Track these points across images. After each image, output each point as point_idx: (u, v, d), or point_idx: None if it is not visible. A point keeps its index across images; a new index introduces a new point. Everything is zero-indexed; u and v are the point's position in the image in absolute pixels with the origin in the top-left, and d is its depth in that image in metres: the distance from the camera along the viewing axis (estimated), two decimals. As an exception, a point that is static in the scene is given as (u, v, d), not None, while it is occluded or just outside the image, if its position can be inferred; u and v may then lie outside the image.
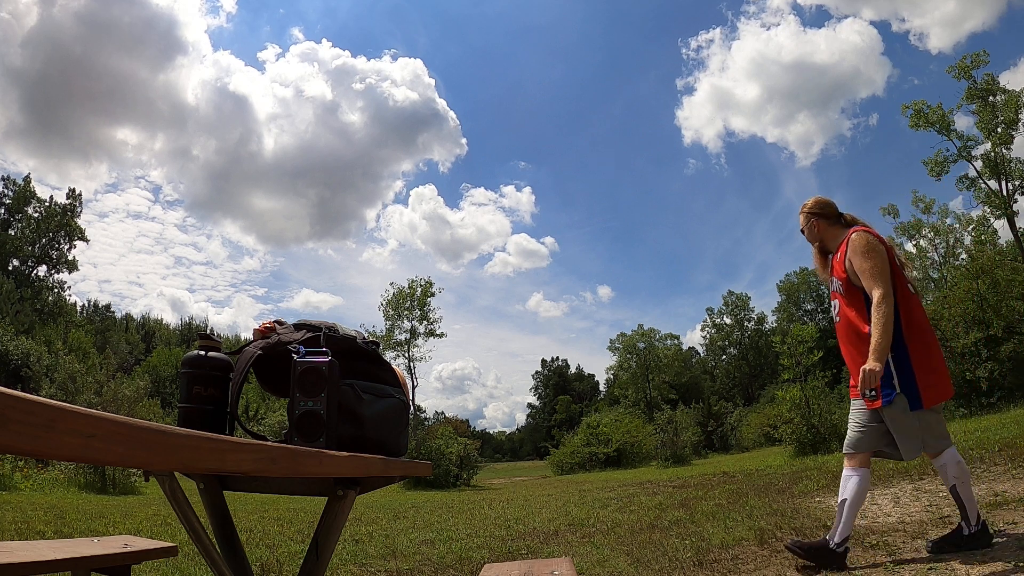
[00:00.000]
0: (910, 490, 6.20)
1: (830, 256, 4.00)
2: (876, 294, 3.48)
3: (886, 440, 3.68)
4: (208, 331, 1.72)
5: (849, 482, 3.69)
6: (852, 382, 3.70)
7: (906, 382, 3.52)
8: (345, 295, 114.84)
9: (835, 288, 3.85)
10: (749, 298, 72.79)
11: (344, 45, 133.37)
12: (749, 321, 71.61)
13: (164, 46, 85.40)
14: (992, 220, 36.17)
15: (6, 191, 49.10)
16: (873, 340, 3.44)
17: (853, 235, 3.73)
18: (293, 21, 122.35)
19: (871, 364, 3.39)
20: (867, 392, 3.55)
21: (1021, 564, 3.22)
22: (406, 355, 33.69)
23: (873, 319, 3.47)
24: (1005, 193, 33.48)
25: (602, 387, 76.36)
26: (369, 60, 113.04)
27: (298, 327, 1.83)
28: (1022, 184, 33.16)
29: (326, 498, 1.72)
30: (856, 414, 3.79)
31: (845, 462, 3.79)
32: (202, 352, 1.62)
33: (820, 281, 4.09)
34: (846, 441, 3.81)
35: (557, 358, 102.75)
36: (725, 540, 4.82)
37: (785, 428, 18.36)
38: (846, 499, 3.68)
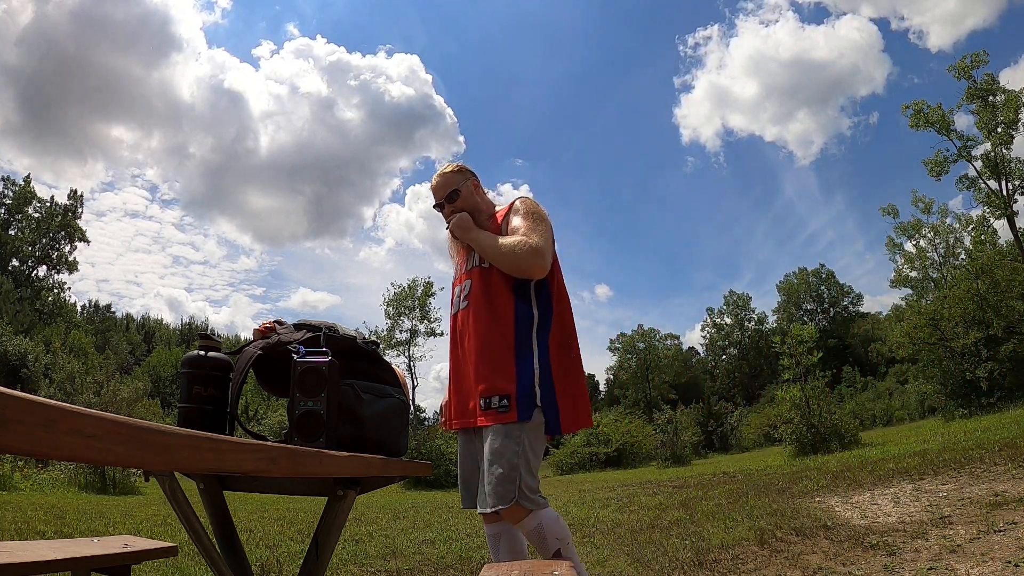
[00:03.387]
0: (910, 490, 6.20)
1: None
2: (533, 240, 2.59)
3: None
4: (210, 330, 1.72)
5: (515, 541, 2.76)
6: (471, 403, 2.67)
7: (547, 397, 2.57)
8: (343, 294, 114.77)
9: (472, 264, 2.82)
10: (750, 298, 72.91)
11: (339, 41, 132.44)
12: (749, 321, 71.66)
13: (159, 43, 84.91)
14: (992, 220, 36.20)
15: (6, 191, 49.16)
16: (493, 237, 2.69)
17: (523, 198, 2.89)
18: (288, 17, 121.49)
19: (469, 223, 2.78)
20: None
21: (1021, 564, 3.22)
22: (406, 354, 33.79)
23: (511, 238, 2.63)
24: (1005, 193, 33.50)
25: (602, 387, 76.30)
26: (364, 56, 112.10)
27: (298, 327, 1.83)
28: (1022, 184, 33.19)
29: (326, 498, 1.72)
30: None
31: (487, 520, 2.78)
32: (202, 352, 1.62)
33: (451, 259, 2.99)
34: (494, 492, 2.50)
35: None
36: (725, 540, 4.83)
37: (785, 428, 18.35)
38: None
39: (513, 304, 2.67)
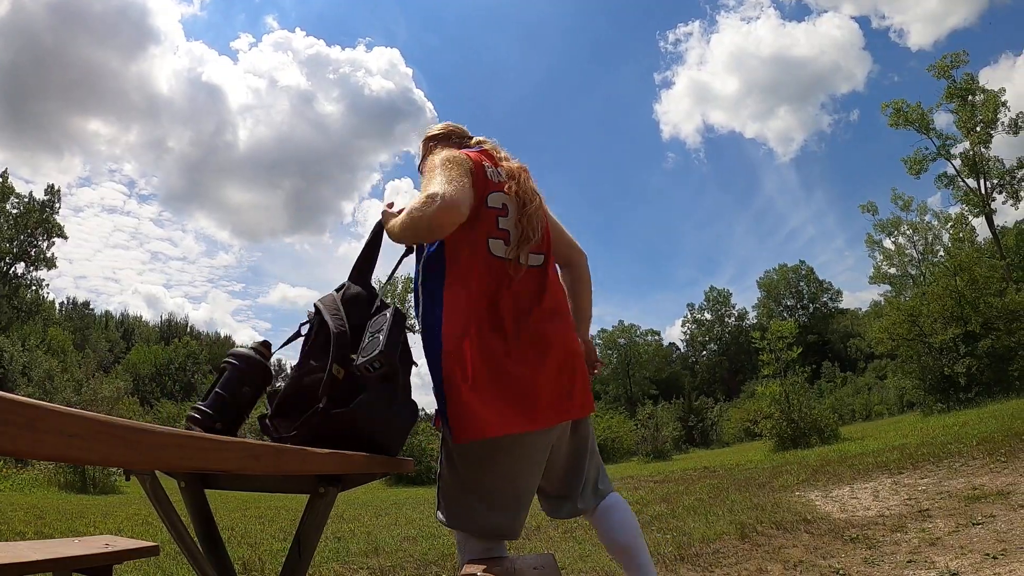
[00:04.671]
0: (889, 484, 6.27)
1: None
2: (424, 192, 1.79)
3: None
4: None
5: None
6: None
7: (441, 399, 1.96)
8: (322, 290, 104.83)
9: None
10: (730, 294, 73.32)
11: (318, 34, 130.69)
12: (730, 317, 72.11)
13: (137, 35, 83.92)
14: (970, 218, 36.63)
15: (-18, 187, 48.39)
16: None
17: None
18: (267, 9, 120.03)
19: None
20: None
21: (999, 556, 3.26)
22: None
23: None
24: (983, 191, 33.91)
25: (584, 383, 76.30)
26: (344, 49, 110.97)
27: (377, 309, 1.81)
28: (1000, 182, 33.60)
29: (308, 495, 1.71)
30: None
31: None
32: (254, 353, 1.61)
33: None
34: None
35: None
36: (706, 534, 4.86)
37: (765, 423, 18.51)
38: None
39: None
